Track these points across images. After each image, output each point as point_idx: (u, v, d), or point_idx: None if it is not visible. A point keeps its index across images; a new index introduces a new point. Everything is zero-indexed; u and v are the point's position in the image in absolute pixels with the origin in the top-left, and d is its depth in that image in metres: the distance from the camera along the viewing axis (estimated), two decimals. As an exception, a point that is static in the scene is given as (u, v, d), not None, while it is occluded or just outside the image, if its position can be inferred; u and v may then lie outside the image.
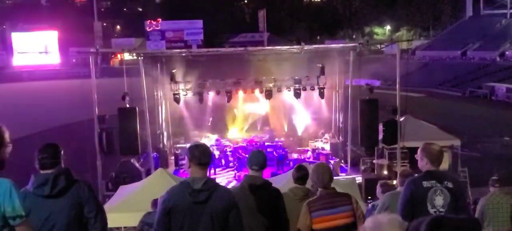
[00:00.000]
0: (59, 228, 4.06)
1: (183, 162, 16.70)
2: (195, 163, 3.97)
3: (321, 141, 22.48)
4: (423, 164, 4.53)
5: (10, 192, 3.21)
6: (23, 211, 3.27)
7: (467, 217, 4.69)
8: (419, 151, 4.59)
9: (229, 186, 12.81)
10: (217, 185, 4.05)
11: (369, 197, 13.92)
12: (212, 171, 19.13)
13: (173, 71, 21.70)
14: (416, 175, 4.68)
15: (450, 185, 4.42)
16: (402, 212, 4.35)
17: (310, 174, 4.91)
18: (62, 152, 4.25)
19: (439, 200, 4.36)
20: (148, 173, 17.18)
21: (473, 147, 24.74)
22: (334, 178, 5.20)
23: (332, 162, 19.67)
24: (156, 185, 10.88)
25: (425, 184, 4.40)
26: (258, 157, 4.87)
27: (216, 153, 20.59)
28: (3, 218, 3.21)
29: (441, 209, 4.32)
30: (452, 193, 4.40)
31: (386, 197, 6.03)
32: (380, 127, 17.74)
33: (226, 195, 4.02)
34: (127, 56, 22.35)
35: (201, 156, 3.96)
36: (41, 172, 4.12)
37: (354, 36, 73.14)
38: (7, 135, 3.31)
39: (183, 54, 22.50)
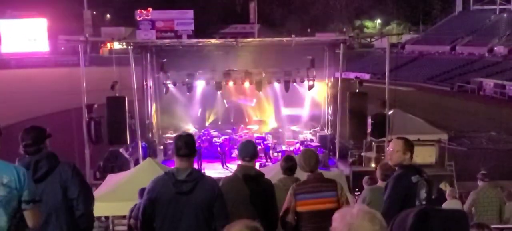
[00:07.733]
0: (45, 212, 4.01)
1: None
2: (178, 154, 3.96)
3: (310, 133, 22.56)
4: (406, 157, 4.47)
5: (28, 177, 3.28)
6: (37, 195, 3.33)
7: (454, 208, 4.74)
8: (400, 144, 4.49)
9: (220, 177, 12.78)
10: (203, 176, 4.03)
11: (357, 190, 13.99)
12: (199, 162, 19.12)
13: (163, 61, 21.64)
14: (401, 170, 4.51)
15: (426, 176, 4.48)
16: (394, 209, 4.31)
17: (298, 159, 4.97)
18: (47, 134, 4.19)
19: (422, 193, 4.39)
20: (136, 162, 17.15)
21: (460, 141, 24.97)
22: (323, 170, 5.23)
23: (320, 154, 19.70)
24: (144, 175, 10.87)
25: (413, 179, 4.41)
26: (248, 147, 4.89)
27: (205, 144, 20.59)
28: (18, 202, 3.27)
29: (424, 202, 4.34)
30: (429, 184, 4.46)
31: (367, 192, 5.98)
32: (369, 120, 17.84)
33: (211, 186, 4.00)
34: (116, 45, 22.27)
35: (184, 147, 3.94)
36: (25, 156, 4.09)
37: (344, 29, 73.10)
38: None
39: (173, 44, 22.45)
